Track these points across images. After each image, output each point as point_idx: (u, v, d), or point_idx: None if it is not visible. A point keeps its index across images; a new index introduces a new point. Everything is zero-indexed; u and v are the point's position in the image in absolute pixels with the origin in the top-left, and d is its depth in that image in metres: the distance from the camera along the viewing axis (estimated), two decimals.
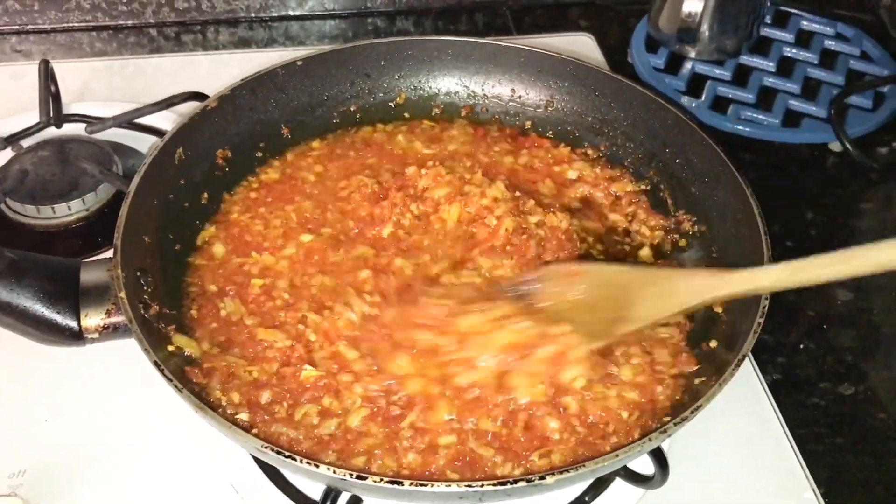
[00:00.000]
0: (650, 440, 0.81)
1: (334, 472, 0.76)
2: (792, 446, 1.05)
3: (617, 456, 0.79)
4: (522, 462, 0.86)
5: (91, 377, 1.06)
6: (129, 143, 1.38)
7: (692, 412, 0.82)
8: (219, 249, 1.07)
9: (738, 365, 0.86)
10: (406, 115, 1.28)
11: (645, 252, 1.12)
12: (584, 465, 0.77)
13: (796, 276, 0.87)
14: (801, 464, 1.03)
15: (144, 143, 1.37)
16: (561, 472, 0.77)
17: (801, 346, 1.18)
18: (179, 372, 0.90)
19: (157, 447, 1.01)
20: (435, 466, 0.85)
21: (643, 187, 1.19)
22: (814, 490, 1.01)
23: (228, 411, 0.89)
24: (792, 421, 1.07)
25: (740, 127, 1.47)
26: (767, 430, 1.06)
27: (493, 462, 0.86)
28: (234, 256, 1.06)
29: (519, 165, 1.21)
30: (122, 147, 1.36)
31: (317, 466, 0.76)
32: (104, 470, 0.99)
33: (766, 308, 0.91)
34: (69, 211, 1.25)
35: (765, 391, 1.10)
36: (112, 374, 1.05)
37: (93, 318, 0.92)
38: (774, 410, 1.08)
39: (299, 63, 1.21)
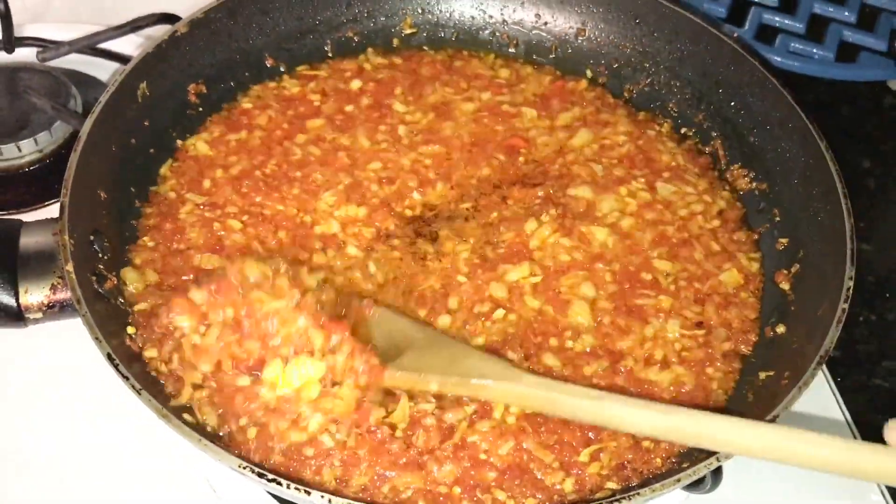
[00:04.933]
0: (717, 459, 0.66)
1: (330, 500, 0.62)
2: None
3: (678, 480, 0.65)
4: (574, 470, 0.73)
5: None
6: (94, 73, 1.19)
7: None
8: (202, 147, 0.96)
9: (820, 362, 0.71)
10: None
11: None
12: (637, 493, 0.63)
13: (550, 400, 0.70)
14: None
15: (110, 74, 1.18)
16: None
17: (861, 319, 1.04)
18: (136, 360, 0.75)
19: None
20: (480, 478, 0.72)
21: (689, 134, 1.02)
22: (882, 493, 0.89)
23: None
24: (853, 406, 0.95)
25: (788, 61, 1.30)
26: (829, 422, 0.93)
27: (547, 470, 0.73)
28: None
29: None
30: (83, 78, 1.18)
31: (308, 494, 0.62)
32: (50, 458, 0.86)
33: (851, 291, 0.76)
34: (19, 153, 1.08)
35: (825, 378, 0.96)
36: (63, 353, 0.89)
37: (34, 295, 0.76)
38: (836, 399, 0.95)
39: None
